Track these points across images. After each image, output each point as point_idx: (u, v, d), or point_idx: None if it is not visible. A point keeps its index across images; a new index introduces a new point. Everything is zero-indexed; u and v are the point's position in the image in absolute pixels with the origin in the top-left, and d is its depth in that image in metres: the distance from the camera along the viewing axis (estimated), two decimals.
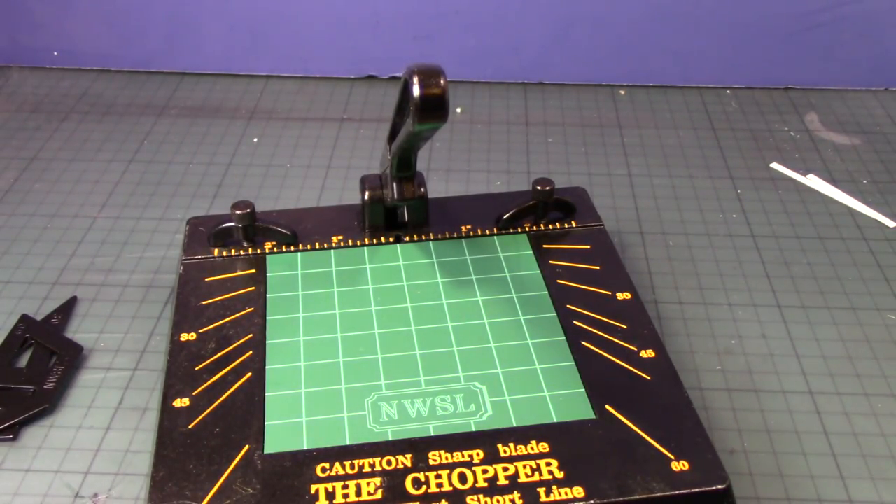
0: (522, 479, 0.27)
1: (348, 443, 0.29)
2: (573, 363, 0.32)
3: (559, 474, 0.28)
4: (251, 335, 0.33)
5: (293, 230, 0.38)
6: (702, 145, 0.52)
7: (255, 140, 0.52)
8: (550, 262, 0.37)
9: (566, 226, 0.39)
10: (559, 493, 0.27)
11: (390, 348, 0.33)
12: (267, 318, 0.34)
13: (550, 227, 0.39)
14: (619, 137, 0.53)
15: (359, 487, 0.27)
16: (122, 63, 0.60)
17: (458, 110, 0.56)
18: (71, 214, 0.45)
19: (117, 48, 0.59)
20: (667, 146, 0.52)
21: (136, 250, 0.43)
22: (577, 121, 0.55)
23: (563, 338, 0.33)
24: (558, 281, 0.36)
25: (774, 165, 0.51)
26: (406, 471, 0.28)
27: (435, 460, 0.28)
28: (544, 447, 0.29)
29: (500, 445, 0.29)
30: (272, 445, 0.29)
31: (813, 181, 0.49)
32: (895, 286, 0.41)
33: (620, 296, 0.35)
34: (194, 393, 0.31)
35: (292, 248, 0.38)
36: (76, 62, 0.60)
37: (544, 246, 0.38)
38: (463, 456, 0.28)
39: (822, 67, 0.58)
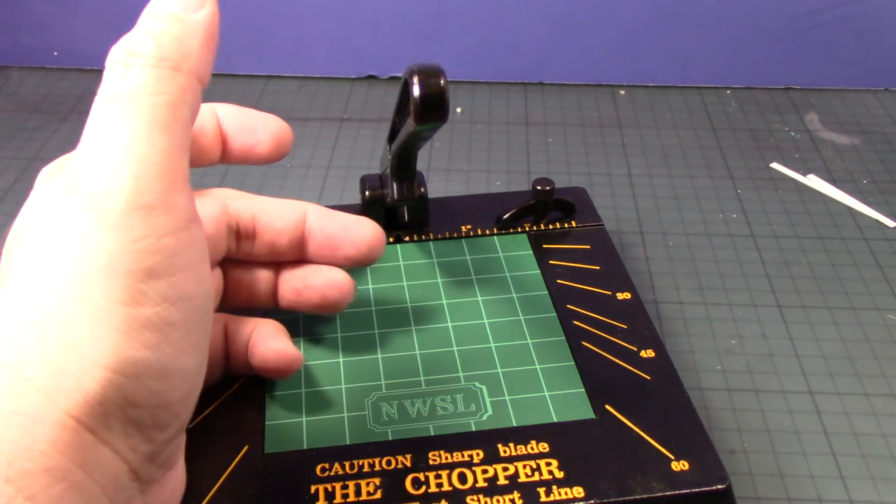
0: (522, 478, 0.27)
1: (348, 443, 0.29)
2: (573, 363, 0.32)
3: (559, 474, 0.28)
4: None
5: None
6: (702, 145, 0.52)
7: None
8: (550, 261, 0.37)
9: (566, 226, 0.39)
10: (559, 493, 0.27)
11: (390, 348, 0.33)
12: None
13: (550, 227, 0.39)
14: (619, 137, 0.53)
15: (358, 487, 0.27)
16: None
17: (458, 110, 0.56)
18: None
19: None
20: (667, 146, 0.52)
21: None
22: (577, 121, 0.55)
23: (563, 338, 0.33)
24: (558, 281, 0.36)
25: (774, 165, 0.51)
26: (406, 471, 0.28)
27: (435, 460, 0.28)
28: (544, 447, 0.29)
29: (500, 445, 0.29)
30: (272, 445, 0.29)
31: (813, 181, 0.49)
32: (895, 286, 0.41)
33: (620, 296, 0.35)
34: None
35: None
36: (76, 62, 0.60)
37: (544, 246, 0.38)
38: (463, 456, 0.28)
39: (822, 67, 0.58)
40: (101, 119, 0.22)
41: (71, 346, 0.20)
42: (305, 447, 0.29)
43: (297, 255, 0.31)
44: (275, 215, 0.30)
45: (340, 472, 0.28)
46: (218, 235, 0.29)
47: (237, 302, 0.32)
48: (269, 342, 0.29)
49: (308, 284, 0.31)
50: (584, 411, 0.30)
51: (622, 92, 0.58)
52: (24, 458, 0.19)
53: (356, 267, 0.32)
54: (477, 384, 0.31)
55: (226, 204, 0.29)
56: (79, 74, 0.59)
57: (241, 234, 0.30)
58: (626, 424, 0.29)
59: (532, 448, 0.28)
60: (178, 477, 0.25)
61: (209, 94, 0.31)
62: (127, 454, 0.21)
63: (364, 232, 0.31)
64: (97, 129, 0.22)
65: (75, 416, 0.20)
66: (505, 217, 0.39)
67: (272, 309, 0.33)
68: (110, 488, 0.21)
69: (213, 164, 0.29)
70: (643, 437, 0.29)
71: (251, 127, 0.29)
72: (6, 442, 0.19)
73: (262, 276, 0.31)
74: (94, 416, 0.20)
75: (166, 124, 0.22)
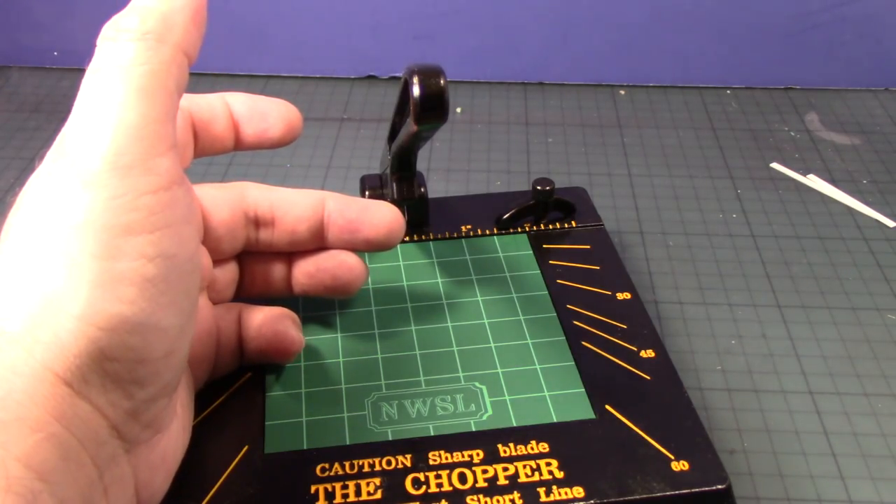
0: (522, 479, 0.27)
1: (348, 443, 0.29)
2: (573, 363, 0.32)
3: (559, 474, 0.28)
4: None
5: None
6: (702, 145, 0.52)
7: None
8: (550, 261, 0.37)
9: (566, 226, 0.39)
10: (559, 493, 0.27)
11: (390, 348, 0.33)
12: None
13: (550, 227, 0.39)
14: (619, 137, 0.53)
15: (358, 487, 0.27)
16: None
17: (458, 110, 0.56)
18: None
19: None
20: (667, 146, 0.52)
21: None
22: (577, 121, 0.55)
23: (563, 338, 0.33)
24: (558, 281, 0.36)
25: (774, 165, 0.51)
26: (406, 471, 0.28)
27: (435, 460, 0.28)
28: (544, 447, 0.29)
29: (500, 445, 0.29)
30: (272, 445, 0.29)
31: (813, 181, 0.49)
32: (895, 286, 0.41)
33: (620, 296, 0.35)
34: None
35: None
36: (76, 62, 0.60)
37: (544, 246, 0.38)
38: (463, 456, 0.28)
39: (822, 67, 0.58)
40: (88, 89, 0.23)
41: (49, 300, 0.21)
42: (305, 447, 0.29)
43: (317, 242, 0.32)
44: (293, 203, 0.31)
45: (340, 472, 0.28)
46: (236, 223, 0.30)
47: (252, 291, 0.32)
48: (273, 324, 0.30)
49: (321, 267, 0.32)
50: (584, 411, 0.30)
51: (622, 92, 0.58)
52: None
53: (376, 250, 0.33)
54: (477, 384, 0.31)
55: (244, 194, 0.31)
56: (79, 74, 0.59)
57: (259, 223, 0.31)
58: (626, 424, 0.29)
59: (532, 448, 0.28)
60: (169, 442, 0.25)
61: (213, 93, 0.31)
62: (106, 409, 0.22)
63: (383, 214, 0.32)
64: (83, 98, 0.23)
65: (52, 369, 0.20)
66: (505, 217, 0.39)
67: (286, 297, 0.33)
68: (90, 443, 0.21)
69: (228, 151, 0.30)
70: (643, 437, 0.29)
71: (262, 112, 0.30)
72: None
73: (277, 264, 0.32)
74: (70, 369, 0.21)
75: (148, 92, 0.23)
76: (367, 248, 0.32)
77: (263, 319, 0.31)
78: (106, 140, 0.22)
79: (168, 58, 0.23)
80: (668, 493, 0.27)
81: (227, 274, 0.31)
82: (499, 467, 0.28)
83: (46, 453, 0.20)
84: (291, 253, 0.32)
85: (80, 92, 0.23)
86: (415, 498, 0.27)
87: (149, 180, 0.22)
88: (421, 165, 0.48)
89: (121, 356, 0.21)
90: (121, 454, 0.22)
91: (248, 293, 0.32)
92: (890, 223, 0.46)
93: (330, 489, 0.27)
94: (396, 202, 0.37)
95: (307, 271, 0.32)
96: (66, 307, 0.21)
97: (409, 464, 0.28)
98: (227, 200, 0.30)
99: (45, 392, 0.20)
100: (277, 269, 0.32)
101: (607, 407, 0.30)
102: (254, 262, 0.32)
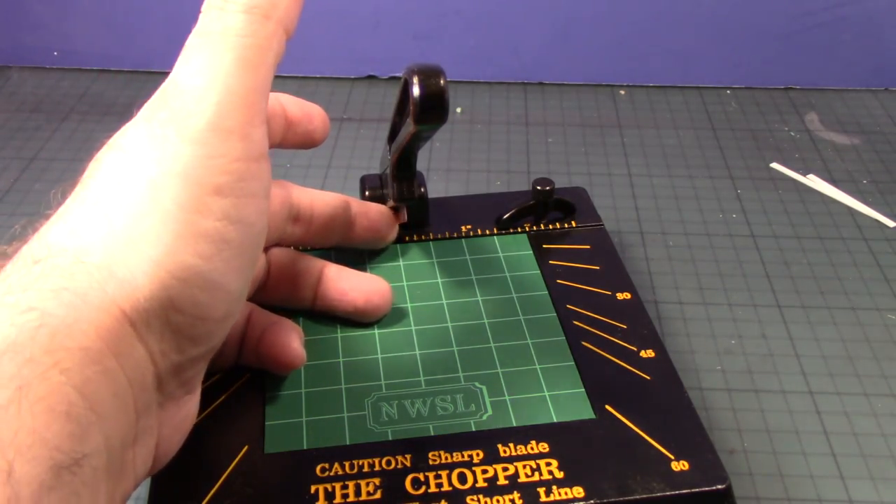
0: (522, 479, 0.27)
1: (348, 443, 0.29)
2: (573, 363, 0.32)
3: (559, 474, 0.28)
4: None
5: None
6: (702, 145, 0.52)
7: None
8: (550, 261, 0.37)
9: (566, 226, 0.39)
10: (559, 493, 0.27)
11: (390, 348, 0.33)
12: None
13: (550, 227, 0.39)
14: (619, 137, 0.53)
15: (358, 487, 0.27)
16: (122, 63, 0.60)
17: (458, 110, 0.56)
18: None
19: (117, 48, 0.59)
20: (667, 146, 0.52)
21: None
22: (577, 121, 0.55)
23: (563, 338, 0.33)
24: (558, 281, 0.36)
25: (774, 165, 0.51)
26: (406, 471, 0.28)
27: (435, 460, 0.28)
28: (544, 447, 0.29)
29: (500, 445, 0.29)
30: (272, 445, 0.29)
31: (813, 181, 0.49)
32: (895, 286, 0.41)
33: (620, 296, 0.35)
34: None
35: (292, 249, 0.38)
36: (76, 62, 0.60)
37: (544, 246, 0.38)
38: (463, 456, 0.28)
39: (822, 67, 0.58)
40: (194, 50, 0.24)
41: (133, 240, 0.22)
42: (305, 447, 0.29)
43: (340, 238, 0.35)
44: (327, 203, 0.33)
45: (340, 472, 0.28)
46: (281, 216, 0.32)
47: (276, 295, 0.33)
48: (279, 336, 0.31)
49: (355, 287, 0.33)
50: (584, 411, 0.30)
51: (622, 92, 0.58)
52: (65, 334, 0.20)
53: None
54: (477, 384, 0.31)
55: (289, 190, 0.32)
56: (79, 74, 0.59)
57: (298, 218, 0.33)
58: (626, 424, 0.29)
59: (532, 448, 0.28)
60: (192, 406, 0.26)
61: None
62: (158, 358, 0.22)
63: (390, 216, 0.36)
64: (189, 58, 0.24)
65: (120, 305, 0.21)
66: (505, 217, 0.39)
67: (304, 310, 0.34)
68: (136, 386, 0.22)
69: (273, 147, 0.31)
70: (643, 437, 0.29)
71: (309, 114, 0.31)
72: (52, 316, 0.20)
73: (309, 273, 0.33)
74: (138, 310, 0.21)
75: (252, 64, 0.24)
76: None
77: (270, 324, 0.31)
78: (212, 102, 0.23)
79: (271, 33, 0.24)
80: (667, 493, 0.27)
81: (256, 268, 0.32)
82: (499, 467, 0.28)
83: (100, 386, 0.20)
84: (324, 268, 0.33)
85: (186, 51, 0.24)
86: (415, 498, 0.27)
87: (244, 147, 0.23)
88: (421, 165, 0.48)
89: (187, 310, 0.22)
90: (154, 405, 0.23)
91: (270, 297, 0.33)
92: (890, 223, 0.46)
93: (330, 489, 0.27)
94: (396, 202, 0.37)
95: (340, 289, 0.33)
96: (146, 250, 0.22)
97: (408, 464, 0.28)
98: (277, 194, 0.31)
99: (109, 326, 0.21)
100: (307, 278, 0.33)
101: (607, 407, 0.30)
102: (286, 267, 0.33)
